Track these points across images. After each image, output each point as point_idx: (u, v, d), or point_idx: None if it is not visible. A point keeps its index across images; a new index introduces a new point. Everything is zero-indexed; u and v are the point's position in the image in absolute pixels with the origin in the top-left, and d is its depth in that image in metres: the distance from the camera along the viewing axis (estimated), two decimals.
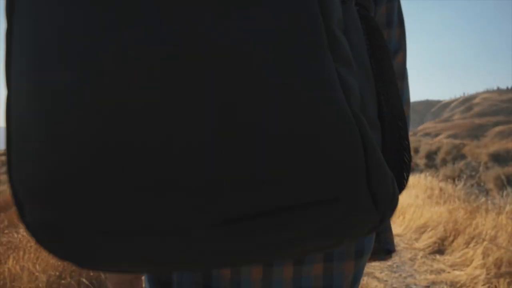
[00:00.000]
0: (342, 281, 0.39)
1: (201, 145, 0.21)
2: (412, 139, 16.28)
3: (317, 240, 0.26)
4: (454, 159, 14.88)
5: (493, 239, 2.09)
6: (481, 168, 12.79)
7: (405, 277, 2.21)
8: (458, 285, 1.97)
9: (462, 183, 4.22)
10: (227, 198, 0.22)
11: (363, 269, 0.42)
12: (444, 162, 15.23)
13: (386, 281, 2.16)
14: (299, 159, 0.21)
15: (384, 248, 0.46)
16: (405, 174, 0.30)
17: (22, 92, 0.24)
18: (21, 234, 2.40)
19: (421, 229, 2.80)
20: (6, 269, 1.83)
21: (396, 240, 2.92)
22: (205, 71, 0.20)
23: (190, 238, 0.24)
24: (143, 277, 0.55)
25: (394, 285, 2.10)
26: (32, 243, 2.27)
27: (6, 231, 2.65)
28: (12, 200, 0.27)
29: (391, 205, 0.25)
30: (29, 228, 0.27)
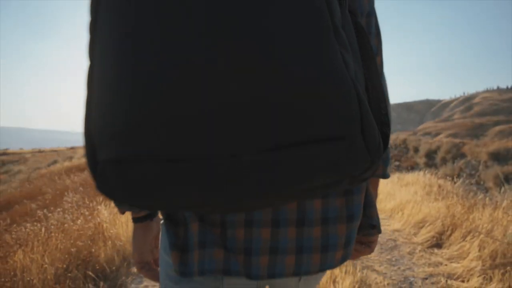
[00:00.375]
0: (337, 241, 0.47)
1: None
2: (412, 138, 16.36)
3: (324, 175, 0.33)
4: (454, 158, 14.92)
5: (489, 232, 2.14)
6: (480, 167, 12.82)
7: (403, 270, 2.26)
8: (455, 276, 2.03)
9: (461, 180, 4.27)
10: (271, 129, 0.31)
11: (354, 233, 0.50)
12: (444, 161, 15.26)
13: (385, 273, 2.22)
14: (319, 106, 0.30)
15: (369, 223, 0.54)
16: (383, 142, 0.38)
17: (107, 66, 0.33)
18: (29, 229, 2.46)
19: (420, 224, 2.86)
20: (18, 261, 1.89)
21: (395, 235, 2.97)
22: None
23: (241, 162, 0.31)
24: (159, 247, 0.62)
25: (393, 278, 2.15)
26: (39, 237, 2.32)
27: (14, 226, 2.71)
28: (85, 148, 0.37)
29: (378, 152, 0.33)
30: (98, 169, 0.36)
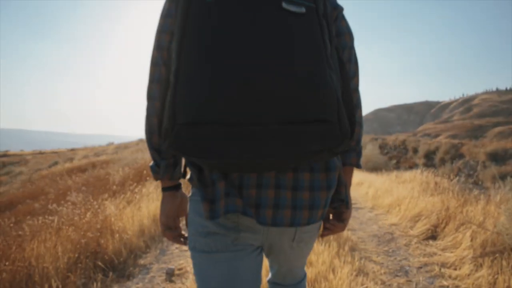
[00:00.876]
0: (319, 203, 0.68)
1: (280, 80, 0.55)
2: (411, 139, 16.44)
3: (316, 144, 0.56)
4: (453, 159, 15.00)
5: (481, 224, 2.24)
6: (479, 167, 12.90)
7: (399, 260, 2.36)
8: (448, 265, 2.13)
9: (457, 177, 4.36)
10: (291, 111, 0.55)
11: (330, 199, 0.70)
12: (443, 161, 15.34)
13: (382, 263, 2.32)
14: (318, 103, 0.56)
15: (338, 197, 0.73)
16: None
17: (192, 64, 0.55)
18: (41, 221, 2.56)
19: (416, 218, 2.96)
20: (34, 248, 1.98)
21: (392, 228, 3.07)
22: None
23: (267, 129, 0.54)
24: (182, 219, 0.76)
25: (390, 267, 2.25)
26: (51, 229, 2.42)
27: (28, 218, 2.80)
28: (166, 114, 0.57)
29: (346, 134, 0.58)
30: (175, 130, 0.55)
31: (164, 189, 0.75)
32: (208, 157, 0.55)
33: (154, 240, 3.08)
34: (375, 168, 5.93)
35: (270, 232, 0.72)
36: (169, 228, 0.76)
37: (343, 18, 0.75)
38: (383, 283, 2.02)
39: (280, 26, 0.56)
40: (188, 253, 2.65)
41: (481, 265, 1.94)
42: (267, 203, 0.65)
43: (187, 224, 0.75)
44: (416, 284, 1.99)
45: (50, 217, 2.57)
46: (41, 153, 31.56)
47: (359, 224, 3.26)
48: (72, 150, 29.96)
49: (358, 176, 5.18)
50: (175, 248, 2.90)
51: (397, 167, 8.27)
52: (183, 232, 0.79)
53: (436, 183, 3.86)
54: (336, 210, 0.80)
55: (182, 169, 0.76)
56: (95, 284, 2.12)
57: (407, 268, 2.22)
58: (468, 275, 1.93)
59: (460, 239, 2.28)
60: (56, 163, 20.32)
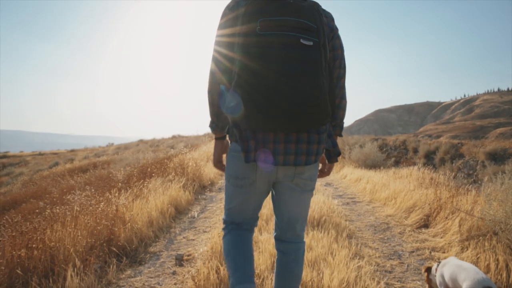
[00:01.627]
0: (313, 151, 1.11)
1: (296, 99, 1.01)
2: (411, 139, 16.50)
3: (317, 122, 1.04)
4: (453, 158, 15.11)
5: (469, 211, 2.40)
6: (478, 167, 13.02)
7: (393, 246, 2.52)
8: (437, 249, 2.29)
9: (452, 173, 4.51)
10: (302, 100, 1.01)
11: (320, 150, 1.13)
12: (443, 161, 15.45)
13: (377, 248, 2.48)
14: (315, 96, 1.02)
15: (327, 147, 1.21)
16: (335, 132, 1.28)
17: (253, 79, 1.02)
18: (58, 210, 2.73)
19: (410, 209, 3.12)
20: (58, 230, 2.16)
21: (388, 219, 3.23)
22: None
23: (289, 137, 1.10)
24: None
25: (384, 252, 2.42)
26: (68, 217, 2.59)
27: (48, 207, 2.97)
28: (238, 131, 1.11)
29: (328, 114, 1.05)
30: (242, 130, 1.10)
31: (216, 139, 1.28)
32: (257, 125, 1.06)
33: (162, 230, 3.26)
34: (373, 166, 6.08)
35: (278, 173, 1.16)
36: (218, 161, 1.30)
37: (338, 37, 1.22)
38: (377, 264, 2.18)
39: (299, 53, 1.00)
40: (195, 242, 2.83)
41: (466, 248, 2.10)
42: (279, 152, 1.10)
43: (221, 164, 1.31)
44: (408, 266, 2.15)
45: (68, 206, 2.75)
46: (40, 154, 31.67)
47: (356, 215, 3.42)
48: (72, 151, 30.12)
49: (357, 173, 5.34)
50: (182, 237, 3.07)
51: (395, 164, 8.44)
52: (224, 163, 1.31)
53: (431, 178, 4.01)
54: (329, 161, 1.29)
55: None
56: (111, 267, 2.29)
57: (400, 252, 2.38)
58: (455, 256, 2.09)
59: (449, 225, 2.44)
60: (56, 164, 20.48)
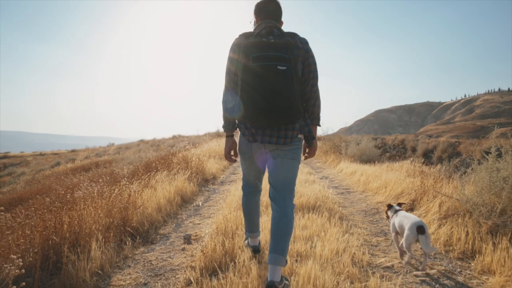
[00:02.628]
0: (288, 136, 1.70)
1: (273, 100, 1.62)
2: (410, 138, 16.83)
3: (293, 118, 1.61)
4: (450, 157, 15.36)
5: (447, 194, 2.66)
6: (474, 164, 13.24)
7: (381, 226, 2.79)
8: None
9: (444, 166, 4.76)
10: (282, 105, 1.61)
11: (294, 135, 1.73)
12: (440, 159, 15.70)
13: (366, 228, 2.75)
14: (289, 111, 1.61)
15: (310, 135, 1.82)
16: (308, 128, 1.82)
17: (249, 91, 1.62)
18: (76, 194, 3.00)
19: (399, 196, 3.38)
20: (82, 209, 2.42)
21: (378, 205, 3.50)
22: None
23: (277, 111, 1.63)
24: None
25: (372, 230, 2.68)
26: (88, 200, 2.86)
27: (69, 191, 3.24)
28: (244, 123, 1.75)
29: (300, 113, 1.65)
30: (244, 124, 1.77)
31: (227, 136, 1.88)
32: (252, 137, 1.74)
33: (170, 216, 3.52)
34: (368, 160, 6.34)
35: (269, 149, 1.75)
36: (228, 153, 1.90)
37: (311, 56, 1.73)
38: (365, 240, 2.45)
39: (277, 79, 1.55)
40: (201, 226, 3.11)
41: (444, 224, 2.37)
42: (267, 137, 1.69)
43: (235, 154, 1.95)
44: (392, 241, 2.42)
45: (86, 191, 3.02)
46: (41, 154, 31.79)
47: (349, 203, 3.69)
48: (73, 151, 30.30)
49: (352, 167, 5.60)
50: (189, 222, 3.34)
51: (390, 159, 8.68)
52: (232, 157, 1.94)
53: (422, 171, 4.26)
54: (308, 146, 1.85)
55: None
56: (127, 244, 2.56)
57: (387, 231, 2.65)
58: (433, 232, 2.36)
59: (431, 207, 2.70)
60: (58, 163, 20.69)
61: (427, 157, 16.92)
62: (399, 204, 2.30)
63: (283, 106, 1.57)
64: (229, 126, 1.84)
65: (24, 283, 1.46)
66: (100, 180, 4.76)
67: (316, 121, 1.82)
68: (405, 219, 2.04)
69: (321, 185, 4.17)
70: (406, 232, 1.97)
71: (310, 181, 4.46)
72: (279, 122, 1.61)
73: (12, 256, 1.59)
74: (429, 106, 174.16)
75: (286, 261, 1.71)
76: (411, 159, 5.06)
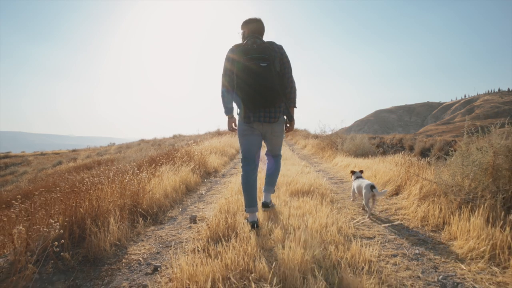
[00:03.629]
0: (276, 116, 2.50)
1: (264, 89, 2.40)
2: (407, 137, 17.16)
3: (278, 101, 2.30)
4: (446, 155, 15.62)
5: (428, 179, 2.95)
6: None
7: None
8: (401, 208, 2.85)
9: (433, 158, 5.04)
10: (271, 95, 2.44)
11: (281, 114, 2.55)
12: (437, 157, 15.91)
13: (354, 209, 3.04)
14: (273, 91, 2.38)
15: (289, 115, 2.63)
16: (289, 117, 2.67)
17: (242, 84, 2.39)
18: (92, 179, 3.30)
19: (386, 183, 3.67)
20: (99, 189, 2.72)
21: None
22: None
23: (267, 99, 2.45)
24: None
25: (360, 211, 2.97)
26: (104, 184, 3.15)
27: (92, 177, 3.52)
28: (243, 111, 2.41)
29: (282, 100, 2.48)
30: (243, 109, 2.33)
31: (229, 117, 2.58)
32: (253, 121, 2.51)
33: (176, 202, 3.82)
34: (363, 155, 6.63)
35: (263, 127, 2.49)
36: (230, 126, 2.59)
37: (285, 57, 2.46)
38: (352, 218, 2.75)
39: (261, 73, 2.29)
40: (205, 209, 3.41)
41: (422, 204, 2.66)
42: (261, 117, 2.44)
43: (235, 126, 2.61)
44: (377, 218, 2.71)
45: (100, 177, 3.31)
46: (42, 154, 31.92)
47: (341, 190, 3.98)
48: (74, 151, 30.47)
49: (347, 160, 5.89)
50: (193, 207, 3.63)
51: (384, 153, 8.96)
52: (234, 128, 2.60)
53: (411, 162, 4.55)
54: (288, 123, 2.64)
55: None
56: (139, 222, 2.86)
57: (372, 211, 2.94)
58: (413, 211, 2.65)
59: (412, 190, 3.00)
60: (60, 162, 20.90)
61: (425, 155, 17.20)
62: (361, 171, 3.25)
63: (267, 90, 2.30)
64: (228, 111, 2.56)
65: (62, 241, 1.76)
66: (110, 173, 5.06)
67: (292, 104, 2.53)
68: (362, 183, 2.90)
69: (316, 175, 4.47)
70: (364, 191, 2.78)
71: (305, 172, 4.75)
72: (265, 103, 2.34)
73: (50, 220, 1.89)
74: (429, 106, 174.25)
75: (274, 190, 2.89)
76: (402, 152, 5.35)
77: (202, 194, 4.33)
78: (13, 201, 2.20)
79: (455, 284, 1.62)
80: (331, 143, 8.06)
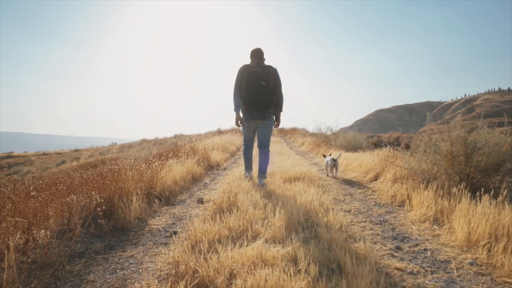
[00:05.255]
0: (266, 116, 3.71)
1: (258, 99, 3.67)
2: (404, 135, 17.76)
3: (270, 111, 3.42)
4: (408, 147, 16.10)
5: (399, 165, 3.47)
6: None
7: (350, 191, 3.60)
8: (377, 189, 3.36)
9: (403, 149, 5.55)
10: (264, 105, 3.73)
11: (270, 115, 3.77)
12: (407, 148, 16.42)
13: (338, 191, 3.56)
14: (268, 103, 3.67)
15: (276, 116, 3.86)
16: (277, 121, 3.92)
17: (249, 91, 3.62)
18: (112, 167, 3.82)
19: (368, 171, 4.19)
20: (123, 174, 3.24)
21: (352, 179, 4.30)
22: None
23: (259, 112, 3.77)
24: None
25: (343, 193, 3.49)
26: (123, 171, 3.67)
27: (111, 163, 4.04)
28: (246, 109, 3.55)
29: (271, 109, 3.74)
30: (245, 112, 3.50)
31: (236, 114, 3.77)
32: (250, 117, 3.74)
33: (184, 189, 4.34)
34: (354, 149, 7.15)
35: (256, 124, 3.66)
36: (237, 122, 3.78)
37: (278, 77, 3.62)
38: (334, 198, 3.26)
39: (260, 88, 3.47)
40: (210, 194, 3.92)
41: (393, 185, 3.18)
42: (256, 116, 3.61)
43: (241, 122, 3.82)
44: (355, 198, 3.23)
45: (120, 165, 3.83)
46: (45, 154, 32.18)
47: (329, 178, 4.50)
48: (76, 150, 30.82)
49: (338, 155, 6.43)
50: (199, 193, 4.15)
51: (374, 148, 9.47)
52: (240, 125, 3.81)
53: (394, 154, 5.06)
54: (275, 121, 3.78)
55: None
56: (155, 202, 3.38)
57: (353, 193, 3.46)
58: (386, 191, 3.17)
59: (387, 175, 3.51)
60: (63, 162, 21.33)
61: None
62: (330, 155, 4.95)
63: (264, 103, 3.47)
64: (236, 108, 3.70)
65: (104, 207, 2.27)
66: (131, 161, 5.56)
67: (279, 109, 3.67)
68: (328, 158, 4.67)
69: (308, 166, 4.99)
70: (329, 162, 4.54)
71: (299, 164, 5.27)
72: (261, 108, 3.49)
73: (92, 193, 2.41)
74: (429, 106, 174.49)
75: (265, 176, 3.71)
76: (389, 146, 5.85)
77: (206, 183, 4.85)
78: (57, 182, 2.72)
79: (404, 237, 2.14)
80: (326, 139, 8.56)
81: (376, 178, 3.87)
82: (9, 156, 32.18)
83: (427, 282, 1.58)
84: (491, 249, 1.73)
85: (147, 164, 4.29)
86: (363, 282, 1.47)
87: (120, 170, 3.58)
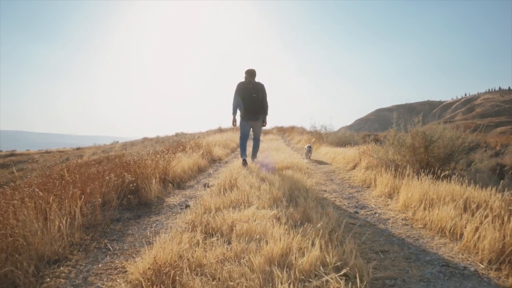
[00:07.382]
0: (258, 118, 5.13)
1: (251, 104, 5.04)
2: (400, 134, 18.49)
3: (261, 115, 4.60)
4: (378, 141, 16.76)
5: (371, 155, 4.16)
6: None
7: (331, 177, 4.30)
8: (352, 176, 4.06)
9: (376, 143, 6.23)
10: (258, 109, 5.19)
11: (261, 118, 5.20)
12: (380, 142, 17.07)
13: (321, 178, 4.26)
14: (261, 109, 5.11)
15: (263, 120, 5.29)
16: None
17: (244, 101, 4.96)
18: (128, 158, 4.52)
19: (349, 162, 4.89)
20: (143, 161, 3.94)
21: (335, 169, 5.00)
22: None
23: (253, 115, 5.21)
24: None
25: (325, 178, 4.20)
26: (145, 158, 4.38)
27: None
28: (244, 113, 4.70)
29: (260, 114, 5.20)
30: (243, 115, 4.62)
31: (233, 116, 5.08)
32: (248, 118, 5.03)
33: (191, 177, 5.04)
34: (343, 145, 7.85)
35: (251, 123, 4.97)
36: (233, 123, 5.10)
37: (264, 91, 5.03)
38: (317, 181, 3.96)
39: (253, 99, 4.86)
40: (214, 181, 4.65)
41: (365, 172, 3.87)
42: (251, 118, 4.97)
43: (236, 123, 5.13)
44: (334, 182, 3.92)
45: (134, 157, 4.54)
46: (47, 152, 32.53)
47: (316, 168, 5.20)
48: (79, 148, 31.25)
49: (328, 149, 7.13)
50: (205, 180, 4.85)
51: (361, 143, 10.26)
52: (237, 126, 5.00)
53: (371, 148, 5.75)
54: (263, 122, 5.15)
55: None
56: (169, 186, 4.08)
57: (333, 178, 4.16)
58: (359, 176, 3.86)
59: (362, 164, 4.20)
60: (67, 159, 21.91)
61: None
62: (309, 146, 6.70)
63: (255, 109, 4.81)
64: (234, 113, 4.87)
65: (135, 184, 2.97)
66: (149, 150, 6.25)
67: (265, 113, 4.97)
68: (306, 146, 6.58)
69: (299, 158, 5.69)
70: (306, 149, 6.69)
71: (292, 157, 5.97)
72: (254, 113, 4.82)
73: (124, 173, 3.11)
74: (429, 105, 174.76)
75: (256, 156, 5.33)
76: (373, 142, 6.54)
77: (210, 173, 5.55)
78: (92, 167, 3.41)
79: (363, 206, 2.83)
80: (320, 137, 9.26)
81: (354, 167, 4.57)
82: (12, 154, 32.57)
83: (369, 230, 2.27)
84: (417, 210, 2.42)
85: (161, 155, 5.00)
86: (325, 228, 2.17)
87: (140, 159, 4.28)
